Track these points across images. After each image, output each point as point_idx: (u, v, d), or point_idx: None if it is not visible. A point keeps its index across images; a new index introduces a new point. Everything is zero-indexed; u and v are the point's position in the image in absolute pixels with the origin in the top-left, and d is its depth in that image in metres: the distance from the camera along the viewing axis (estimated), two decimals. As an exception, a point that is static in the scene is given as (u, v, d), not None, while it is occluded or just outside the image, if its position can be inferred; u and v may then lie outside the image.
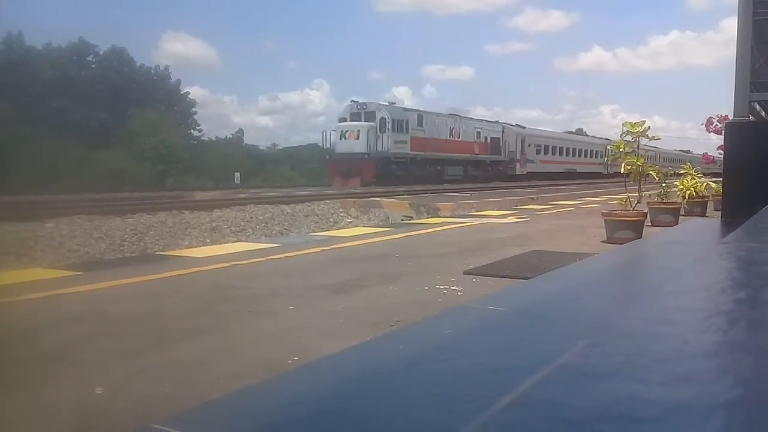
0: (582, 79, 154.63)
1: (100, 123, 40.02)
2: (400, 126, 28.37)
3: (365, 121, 27.77)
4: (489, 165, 34.67)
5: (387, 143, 27.55)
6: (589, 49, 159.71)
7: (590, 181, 35.66)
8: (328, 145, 28.31)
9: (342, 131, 27.86)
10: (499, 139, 35.49)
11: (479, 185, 25.85)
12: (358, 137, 27.17)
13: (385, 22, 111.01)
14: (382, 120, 27.81)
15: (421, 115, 30.37)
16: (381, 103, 29.40)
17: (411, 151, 28.79)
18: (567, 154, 42.35)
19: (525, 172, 36.19)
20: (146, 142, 36.11)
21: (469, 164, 32.94)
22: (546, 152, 39.63)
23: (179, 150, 37.79)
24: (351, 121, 28.19)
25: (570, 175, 39.81)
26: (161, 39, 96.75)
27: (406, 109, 30.13)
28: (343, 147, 27.37)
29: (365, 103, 28.71)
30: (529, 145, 37.79)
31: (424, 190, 20.73)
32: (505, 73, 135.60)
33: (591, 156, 45.42)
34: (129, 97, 42.71)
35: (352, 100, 29.51)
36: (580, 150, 44.55)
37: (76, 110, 39.64)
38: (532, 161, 37.68)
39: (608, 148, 6.70)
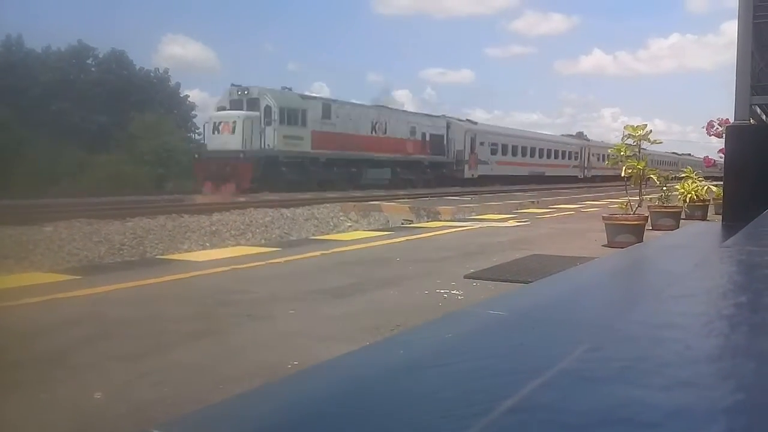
0: (582, 83, 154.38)
1: (99, 126, 40.02)
2: (293, 117, 22.10)
3: (247, 109, 21.68)
4: (428, 167, 29.03)
5: (273, 139, 21.38)
6: (589, 52, 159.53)
7: (591, 185, 34.52)
8: (204, 141, 22.59)
9: (215, 123, 21.76)
10: (443, 136, 29.80)
11: (479, 189, 24.16)
12: (233, 131, 21.09)
13: (385, 24, 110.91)
14: (267, 109, 21.62)
15: (328, 105, 24.10)
16: (269, 87, 23.12)
17: (312, 149, 22.64)
18: (532, 155, 37.01)
19: (476, 176, 30.94)
20: (146, 145, 36.06)
21: (399, 166, 27.19)
22: (504, 152, 34.27)
23: (179, 153, 37.76)
24: (231, 110, 22.07)
25: (538, 180, 34.29)
26: (160, 42, 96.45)
27: (304, 97, 23.85)
28: (216, 143, 21.34)
29: (247, 88, 22.42)
30: (482, 144, 32.28)
31: (424, 193, 20.59)
32: (505, 77, 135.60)
33: (564, 157, 40.52)
34: (128, 100, 42.69)
35: (233, 84, 23.08)
36: (549, 150, 38.93)
37: (75, 113, 39.65)
38: (485, 162, 32.32)
39: (610, 151, 6.67)
